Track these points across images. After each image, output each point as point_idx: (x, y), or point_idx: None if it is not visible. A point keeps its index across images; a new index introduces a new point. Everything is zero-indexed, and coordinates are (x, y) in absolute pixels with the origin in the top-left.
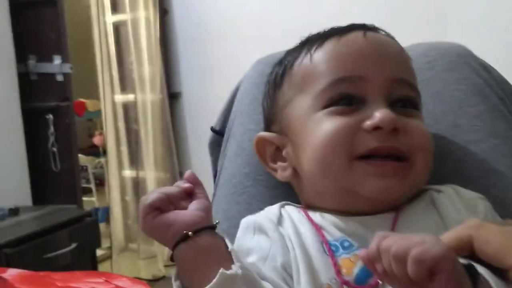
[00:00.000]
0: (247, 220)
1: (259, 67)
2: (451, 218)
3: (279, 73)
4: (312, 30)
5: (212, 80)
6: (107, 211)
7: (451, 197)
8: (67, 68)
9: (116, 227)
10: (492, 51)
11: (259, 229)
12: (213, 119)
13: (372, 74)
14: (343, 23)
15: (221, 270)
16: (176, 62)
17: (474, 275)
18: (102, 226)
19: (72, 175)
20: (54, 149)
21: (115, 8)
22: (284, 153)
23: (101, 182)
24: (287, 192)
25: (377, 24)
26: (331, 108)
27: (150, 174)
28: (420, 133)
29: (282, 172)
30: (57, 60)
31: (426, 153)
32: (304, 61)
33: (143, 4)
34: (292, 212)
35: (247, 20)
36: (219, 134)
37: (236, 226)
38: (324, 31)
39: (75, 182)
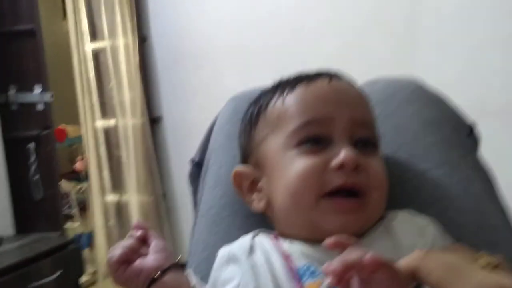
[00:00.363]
0: (223, 252)
1: (233, 104)
2: (402, 243)
3: (255, 112)
4: (286, 60)
5: (191, 104)
6: (90, 237)
7: (405, 223)
8: (47, 97)
9: (100, 252)
10: (459, 67)
11: (233, 260)
12: (194, 141)
13: (336, 115)
14: (318, 50)
15: None
16: (156, 87)
17: None
18: (86, 251)
19: (54, 202)
20: (36, 177)
21: (94, 36)
22: (259, 185)
23: (83, 207)
24: (262, 221)
25: (354, 43)
26: (301, 148)
27: (133, 198)
28: (377, 173)
29: (257, 203)
30: (37, 89)
31: (380, 191)
32: (277, 103)
33: (122, 32)
34: (264, 240)
35: (226, 45)
36: (198, 165)
37: (215, 254)
38: (294, 77)
39: (58, 209)
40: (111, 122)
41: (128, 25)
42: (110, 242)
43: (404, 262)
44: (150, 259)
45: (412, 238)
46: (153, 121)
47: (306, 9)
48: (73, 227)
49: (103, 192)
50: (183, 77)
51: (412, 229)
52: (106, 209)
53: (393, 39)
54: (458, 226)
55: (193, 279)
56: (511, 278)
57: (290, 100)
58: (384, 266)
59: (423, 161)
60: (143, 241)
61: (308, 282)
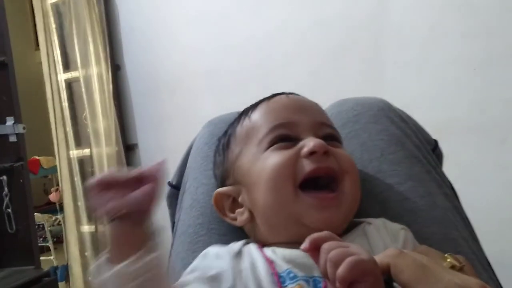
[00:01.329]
0: (212, 250)
1: (209, 128)
2: (377, 246)
3: (225, 140)
4: (259, 83)
5: (166, 130)
6: (66, 269)
7: (379, 228)
8: (20, 129)
9: (76, 284)
10: (425, 87)
11: (216, 256)
12: (168, 168)
13: (300, 119)
14: (291, 73)
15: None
16: (130, 114)
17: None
18: (61, 285)
19: (28, 235)
20: (9, 210)
21: (67, 66)
22: (240, 199)
23: (58, 239)
24: (238, 238)
25: (323, 68)
26: (273, 146)
27: None
28: (346, 158)
29: (240, 217)
30: (9, 121)
31: (352, 176)
32: (244, 123)
33: (95, 61)
34: (252, 248)
35: (200, 72)
36: (175, 188)
37: None
38: (255, 102)
39: (32, 242)
40: (86, 151)
41: (101, 54)
42: (87, 274)
43: (378, 259)
44: (124, 200)
45: (385, 242)
46: (128, 148)
47: (276, 36)
48: (48, 260)
49: (78, 222)
50: (157, 104)
51: (385, 234)
52: (82, 240)
53: (360, 63)
54: (424, 238)
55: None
56: (476, 279)
57: (255, 116)
58: (369, 272)
59: (389, 177)
60: (138, 181)
61: (289, 286)
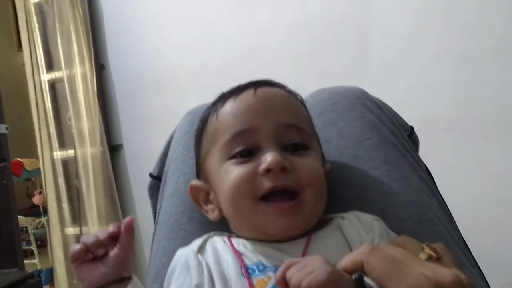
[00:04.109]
0: (176, 256)
1: (189, 118)
2: (353, 239)
3: (200, 129)
4: (245, 81)
5: (152, 130)
6: (50, 273)
7: (353, 221)
8: (2, 129)
9: (61, 287)
10: (408, 85)
11: (182, 264)
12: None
13: (262, 124)
14: (277, 71)
15: None
16: (115, 114)
17: (362, 286)
18: None
19: (11, 238)
20: None
21: (50, 66)
22: (210, 197)
23: (42, 242)
24: (219, 226)
25: (307, 64)
26: (233, 160)
27: (94, 229)
28: (307, 170)
29: (211, 214)
30: None
31: (314, 188)
32: (213, 119)
33: (79, 61)
34: (217, 242)
35: (184, 72)
36: (157, 179)
37: None
38: (228, 91)
39: (16, 244)
40: (70, 152)
41: (85, 54)
42: (71, 277)
43: (351, 256)
44: (96, 273)
45: (360, 234)
46: (113, 149)
47: (261, 33)
48: (32, 264)
49: (62, 225)
50: (143, 103)
51: (359, 226)
52: (66, 242)
53: (344, 60)
54: (401, 220)
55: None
56: (451, 269)
57: (221, 114)
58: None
59: (366, 162)
60: (114, 239)
61: (258, 278)
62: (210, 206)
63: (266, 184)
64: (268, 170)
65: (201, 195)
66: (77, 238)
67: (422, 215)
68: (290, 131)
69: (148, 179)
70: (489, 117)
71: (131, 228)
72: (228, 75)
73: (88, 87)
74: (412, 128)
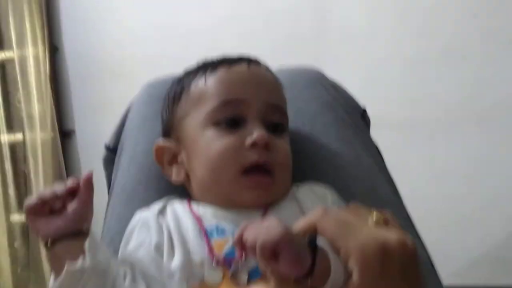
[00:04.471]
0: (135, 217)
1: (148, 89)
2: (307, 207)
3: (178, 90)
4: None
5: (106, 117)
6: None
7: (307, 191)
8: None
9: (4, 276)
10: (361, 81)
11: (142, 224)
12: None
13: (251, 98)
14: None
15: (66, 265)
16: (68, 99)
17: (315, 247)
18: None
19: None
20: None
21: (0, 45)
22: (179, 159)
23: None
24: (176, 195)
25: (266, 58)
26: (218, 127)
27: None
28: (283, 153)
29: (177, 176)
30: None
31: (285, 170)
32: (199, 82)
33: (32, 41)
34: (177, 206)
35: (141, 58)
36: (112, 151)
37: None
38: (217, 59)
39: None
40: (18, 136)
41: (38, 34)
42: (16, 265)
43: (305, 219)
44: (53, 224)
45: (313, 203)
46: (65, 135)
47: (221, 26)
48: None
49: (7, 211)
50: (97, 89)
51: (313, 196)
52: (11, 229)
53: (302, 55)
54: (352, 193)
55: (87, 242)
56: (398, 232)
57: (211, 80)
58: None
59: (321, 137)
60: (72, 194)
61: (216, 239)
62: (175, 168)
63: (250, 157)
64: (253, 145)
65: (166, 156)
66: (23, 226)
67: (370, 187)
68: (275, 112)
69: (102, 169)
70: (437, 117)
71: (90, 182)
72: (187, 64)
73: (40, 69)
74: (364, 109)
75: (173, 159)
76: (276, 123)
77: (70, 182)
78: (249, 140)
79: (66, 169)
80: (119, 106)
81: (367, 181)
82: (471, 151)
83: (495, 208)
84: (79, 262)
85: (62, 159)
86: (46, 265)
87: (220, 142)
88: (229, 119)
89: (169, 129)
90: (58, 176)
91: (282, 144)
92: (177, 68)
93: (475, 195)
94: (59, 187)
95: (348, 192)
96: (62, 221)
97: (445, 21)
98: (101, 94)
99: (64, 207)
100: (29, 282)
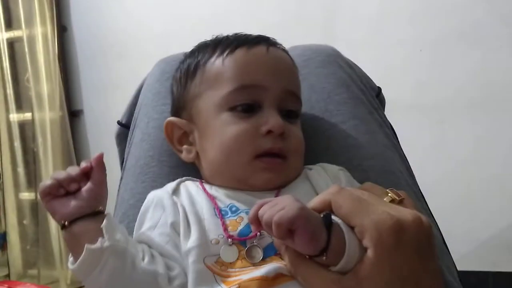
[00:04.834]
0: (149, 197)
1: (161, 66)
2: (320, 187)
3: (192, 65)
4: None
5: (115, 97)
6: (3, 237)
7: (320, 172)
8: None
9: (14, 253)
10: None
11: (157, 203)
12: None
13: (269, 84)
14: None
15: (86, 245)
16: (76, 79)
17: (330, 223)
18: None
19: None
20: None
21: (9, 24)
22: (190, 138)
23: None
24: (188, 170)
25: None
26: (235, 112)
27: None
28: (296, 140)
29: (187, 154)
30: None
31: (298, 156)
32: (216, 62)
33: (40, 21)
34: (190, 186)
35: (149, 37)
36: (125, 127)
37: (142, 200)
38: (236, 38)
39: None
40: (27, 115)
41: (47, 13)
42: (25, 243)
43: (320, 197)
44: (69, 205)
45: (327, 183)
46: (73, 114)
47: (228, 2)
48: None
49: (17, 189)
50: (106, 68)
51: (326, 176)
52: (20, 207)
53: (312, 38)
54: (365, 170)
55: (105, 221)
56: (412, 210)
57: (229, 62)
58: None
59: (335, 116)
60: (86, 175)
61: (230, 219)
62: (186, 147)
63: (265, 144)
64: (269, 132)
65: (177, 133)
66: (32, 204)
67: (384, 166)
68: (291, 98)
69: (110, 149)
70: (447, 102)
71: (101, 162)
72: (195, 43)
73: (49, 48)
74: (379, 88)
75: (184, 137)
76: (290, 109)
77: (83, 164)
78: (265, 128)
79: (74, 148)
80: (127, 85)
81: (381, 160)
82: (479, 135)
83: (503, 192)
84: (98, 242)
85: (71, 138)
86: (54, 242)
87: (236, 127)
88: (246, 105)
89: (181, 106)
90: (67, 155)
91: (296, 131)
92: (184, 48)
93: (482, 178)
94: (73, 169)
95: (361, 171)
96: (78, 202)
97: (456, 5)
98: (109, 74)
99: (79, 189)
100: (38, 258)
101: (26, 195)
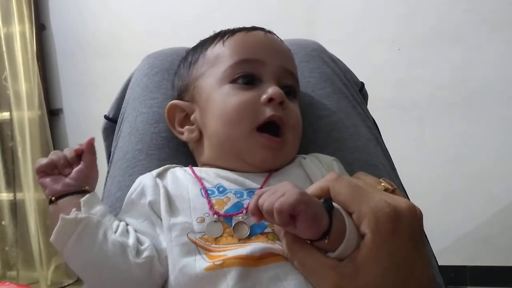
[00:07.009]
0: (136, 183)
1: (149, 61)
2: (315, 174)
3: (195, 55)
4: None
5: (95, 95)
6: None
7: (314, 161)
8: None
9: None
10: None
11: (141, 189)
12: (96, 135)
13: (269, 60)
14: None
15: (61, 215)
16: (55, 78)
17: (331, 208)
18: None
19: None
20: None
21: None
22: (192, 118)
23: None
24: (178, 163)
25: None
26: (236, 84)
27: (30, 195)
28: (295, 114)
29: (189, 134)
30: None
31: (296, 134)
32: (217, 45)
33: (18, 19)
34: (178, 171)
35: (129, 36)
36: (112, 121)
37: None
38: (234, 28)
39: None
40: (5, 114)
41: (25, 11)
42: (4, 244)
43: (318, 183)
44: (60, 183)
45: (322, 172)
46: (52, 113)
47: (210, 4)
48: None
49: None
50: (85, 67)
51: (320, 165)
52: None
53: (293, 36)
54: (349, 163)
55: (85, 197)
56: (406, 200)
57: (229, 43)
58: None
59: (319, 109)
60: (78, 157)
61: (217, 198)
62: (188, 127)
63: (266, 112)
64: (270, 100)
65: (178, 116)
66: (11, 204)
67: (367, 160)
68: (289, 76)
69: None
70: (425, 99)
71: (92, 146)
72: (176, 42)
73: (27, 47)
74: (362, 83)
75: (186, 119)
76: (290, 86)
77: (77, 147)
78: (265, 96)
79: (54, 147)
80: (107, 84)
81: (364, 153)
82: (458, 132)
83: (480, 188)
84: (73, 212)
85: (50, 137)
86: (34, 243)
87: (237, 97)
88: (246, 76)
89: (184, 89)
90: (46, 155)
91: (294, 108)
92: (165, 47)
93: (461, 175)
94: (69, 152)
95: (345, 164)
96: (67, 181)
97: (434, 3)
98: (89, 73)
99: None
100: (17, 259)
101: (5, 196)
